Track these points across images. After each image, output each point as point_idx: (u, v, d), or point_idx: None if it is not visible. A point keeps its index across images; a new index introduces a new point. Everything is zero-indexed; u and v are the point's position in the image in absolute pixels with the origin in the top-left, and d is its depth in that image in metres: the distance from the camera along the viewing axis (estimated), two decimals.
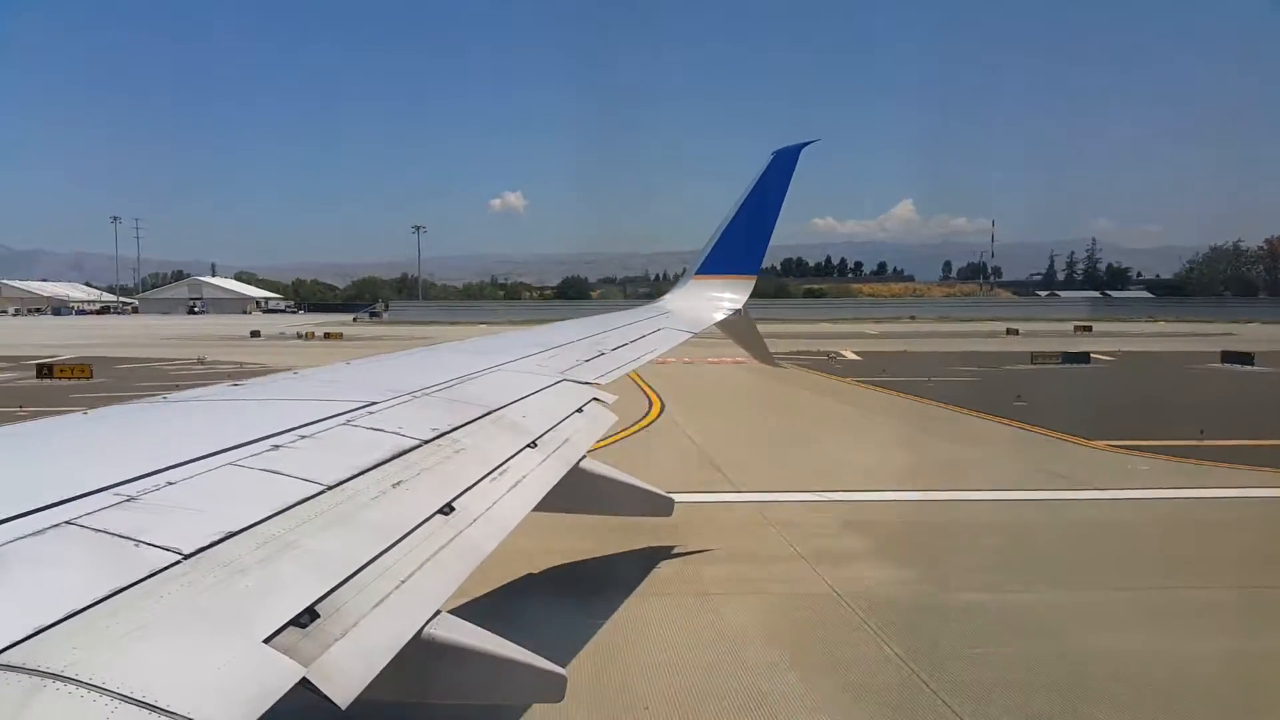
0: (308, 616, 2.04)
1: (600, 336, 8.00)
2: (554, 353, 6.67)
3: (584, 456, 4.35)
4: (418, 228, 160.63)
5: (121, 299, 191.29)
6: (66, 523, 2.12)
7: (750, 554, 9.13)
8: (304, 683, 1.84)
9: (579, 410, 4.89)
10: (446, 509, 2.94)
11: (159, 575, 1.96)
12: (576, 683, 5.32)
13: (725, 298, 10.95)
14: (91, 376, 29.34)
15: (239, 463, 2.80)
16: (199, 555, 2.10)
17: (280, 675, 1.81)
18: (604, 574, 8.53)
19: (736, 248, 11.16)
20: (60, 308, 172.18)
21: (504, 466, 3.57)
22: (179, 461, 2.68)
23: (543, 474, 3.72)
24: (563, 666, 2.82)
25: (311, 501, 2.60)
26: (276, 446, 3.02)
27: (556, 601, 7.67)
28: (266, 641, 1.88)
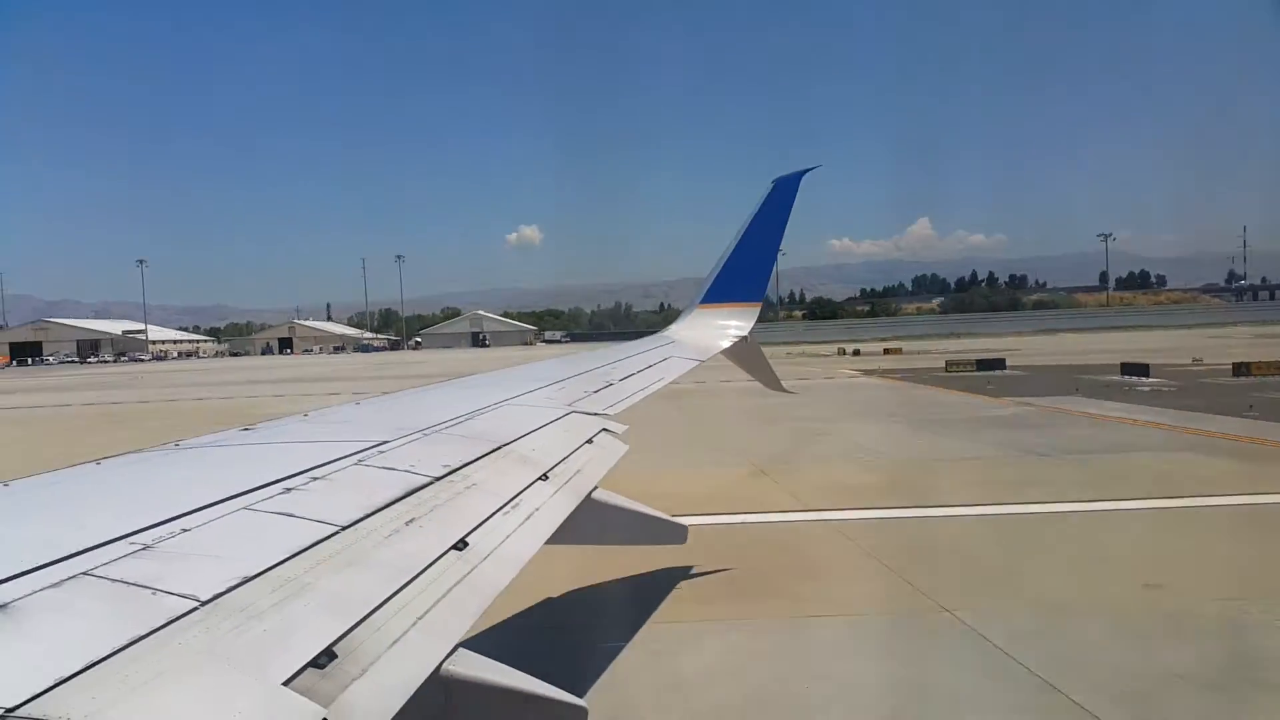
0: (326, 657, 2.04)
1: (608, 368, 8.03)
2: (562, 385, 6.69)
3: (596, 487, 4.35)
4: None
5: (389, 337, 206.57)
6: (84, 573, 2.13)
7: None
8: None
9: (589, 442, 4.90)
10: (460, 544, 2.94)
11: (177, 622, 1.97)
12: (596, 714, 5.27)
13: (731, 325, 11.04)
14: None
15: (253, 507, 2.81)
16: (216, 601, 2.11)
17: (300, 716, 1.81)
18: (621, 598, 8.48)
19: (740, 276, 11.29)
20: (366, 345, 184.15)
21: (516, 500, 3.58)
22: (193, 508, 2.70)
23: (555, 506, 3.72)
24: (581, 697, 2.80)
25: (326, 543, 2.61)
26: (289, 489, 3.04)
27: (573, 629, 7.62)
28: (286, 684, 1.89)
